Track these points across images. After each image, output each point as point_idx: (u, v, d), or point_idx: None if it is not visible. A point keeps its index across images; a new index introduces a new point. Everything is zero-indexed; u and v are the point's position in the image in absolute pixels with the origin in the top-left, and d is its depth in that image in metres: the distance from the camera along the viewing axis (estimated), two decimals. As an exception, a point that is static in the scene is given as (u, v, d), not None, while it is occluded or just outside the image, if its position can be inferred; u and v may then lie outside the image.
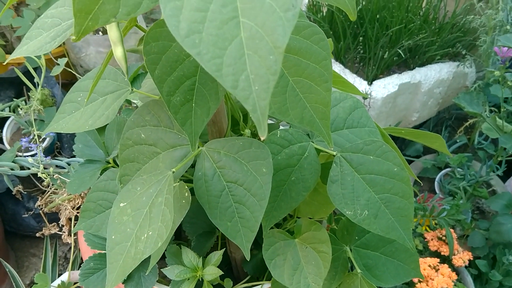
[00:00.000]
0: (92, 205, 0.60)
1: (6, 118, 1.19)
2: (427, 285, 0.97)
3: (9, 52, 1.34)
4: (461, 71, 1.36)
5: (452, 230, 1.10)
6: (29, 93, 1.16)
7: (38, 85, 1.09)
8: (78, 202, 0.92)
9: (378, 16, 1.29)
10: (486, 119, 1.16)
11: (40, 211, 1.04)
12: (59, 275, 1.01)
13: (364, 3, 1.32)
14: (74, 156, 0.82)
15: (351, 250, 0.61)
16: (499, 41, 1.04)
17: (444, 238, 1.10)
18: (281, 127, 0.54)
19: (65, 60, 1.08)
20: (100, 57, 1.35)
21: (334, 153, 0.49)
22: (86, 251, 0.67)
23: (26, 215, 1.10)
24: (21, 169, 0.99)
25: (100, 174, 0.66)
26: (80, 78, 0.56)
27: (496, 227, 1.09)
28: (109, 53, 0.44)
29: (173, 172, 0.45)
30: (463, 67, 1.34)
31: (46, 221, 1.07)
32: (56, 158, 1.02)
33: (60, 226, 0.96)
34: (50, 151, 1.18)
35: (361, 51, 1.33)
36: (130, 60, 1.20)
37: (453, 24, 1.35)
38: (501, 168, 1.23)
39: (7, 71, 1.22)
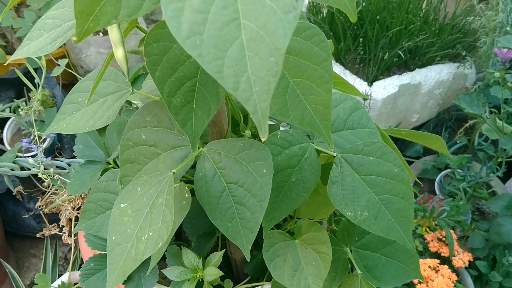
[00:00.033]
0: (92, 206, 0.60)
1: (7, 119, 1.19)
2: (427, 286, 0.97)
3: (9, 53, 1.34)
4: (461, 72, 1.36)
5: (452, 231, 1.10)
6: (29, 93, 1.16)
7: (38, 85, 1.09)
8: (78, 203, 0.92)
9: (378, 17, 1.29)
10: (486, 120, 1.16)
11: (41, 212, 1.03)
12: (59, 275, 1.01)
13: (364, 4, 1.32)
14: (74, 157, 0.82)
15: (351, 251, 0.61)
16: (499, 43, 1.04)
17: (444, 239, 1.10)
18: (281, 128, 0.54)
19: (65, 61, 1.08)
20: (100, 58, 1.35)
21: (335, 154, 0.49)
22: (87, 252, 0.67)
23: (26, 216, 1.10)
24: (21, 170, 0.99)
25: (101, 175, 0.66)
26: (80, 79, 0.56)
27: (496, 228, 1.09)
28: (109, 54, 0.44)
29: (174, 173, 0.45)
30: (463, 68, 1.34)
31: (46, 221, 1.07)
32: (56, 158, 1.02)
33: (61, 226, 0.95)
34: (50, 152, 1.18)
35: (361, 52, 1.33)
36: (130, 61, 1.20)
37: (453, 25, 1.35)
38: (501, 169, 1.23)
39: (8, 72, 1.21)
